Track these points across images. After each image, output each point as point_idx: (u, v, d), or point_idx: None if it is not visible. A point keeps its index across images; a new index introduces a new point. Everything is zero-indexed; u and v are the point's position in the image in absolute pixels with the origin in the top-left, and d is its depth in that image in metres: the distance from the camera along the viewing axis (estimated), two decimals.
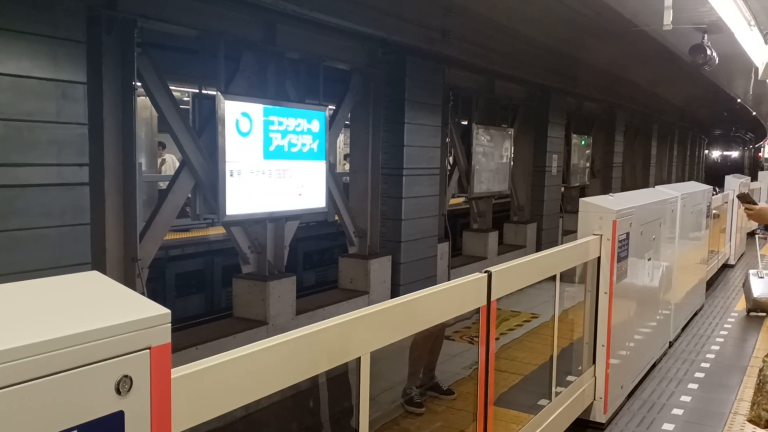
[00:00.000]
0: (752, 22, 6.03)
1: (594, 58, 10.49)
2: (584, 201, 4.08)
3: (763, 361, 2.98)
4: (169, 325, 1.23)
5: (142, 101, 6.42)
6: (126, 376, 1.16)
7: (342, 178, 10.35)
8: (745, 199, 3.39)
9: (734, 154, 38.97)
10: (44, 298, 1.22)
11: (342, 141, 14.63)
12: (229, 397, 1.49)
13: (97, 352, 1.12)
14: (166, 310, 1.23)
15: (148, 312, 1.21)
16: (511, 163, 10.64)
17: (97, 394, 1.13)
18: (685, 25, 6.41)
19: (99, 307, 1.23)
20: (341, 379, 2.46)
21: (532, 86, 10.94)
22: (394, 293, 7.61)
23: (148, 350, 1.19)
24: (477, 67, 8.96)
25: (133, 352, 1.17)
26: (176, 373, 1.32)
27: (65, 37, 4.20)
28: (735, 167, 31.10)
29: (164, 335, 1.22)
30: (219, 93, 5.42)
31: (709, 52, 6.89)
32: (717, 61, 7.10)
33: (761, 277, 6.97)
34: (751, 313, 7.05)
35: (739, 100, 17.03)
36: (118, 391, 1.15)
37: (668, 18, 5.32)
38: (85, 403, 1.11)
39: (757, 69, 6.59)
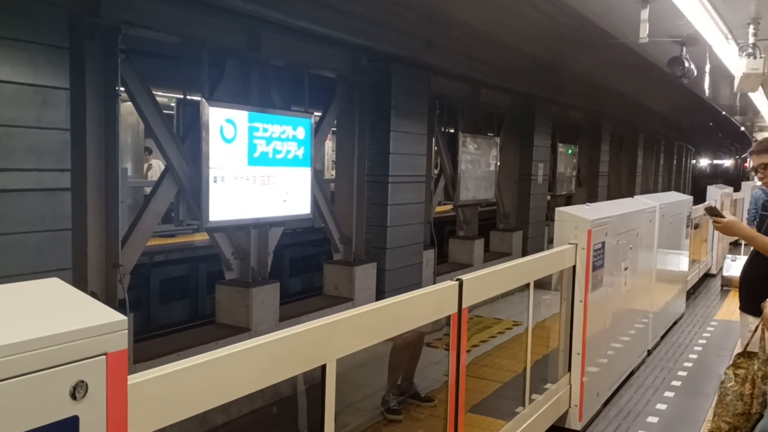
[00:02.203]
0: (729, 36, 6.14)
1: (578, 67, 10.59)
2: (560, 210, 4.13)
3: (725, 373, 3.03)
4: (126, 331, 1.25)
5: (128, 107, 6.43)
6: (81, 382, 1.19)
7: (330, 184, 10.39)
8: (713, 212, 3.43)
9: (726, 163, 38.51)
10: (2, 304, 1.25)
11: (330, 148, 14.66)
12: (187, 404, 1.52)
13: (52, 357, 1.15)
14: (123, 317, 1.26)
15: (104, 318, 1.23)
16: (497, 171, 10.72)
17: (52, 399, 1.15)
18: (663, 38, 6.51)
19: (56, 313, 1.26)
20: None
21: (517, 95, 11.03)
22: (379, 300, 7.63)
23: (104, 356, 1.22)
24: (462, 76, 9.04)
25: (88, 358, 1.20)
26: (133, 379, 1.34)
27: (47, 43, 4.22)
28: (726, 177, 31.04)
29: (120, 342, 1.24)
30: (203, 99, 5.44)
31: (687, 64, 7.00)
32: (695, 74, 7.21)
33: (733, 261, 8.69)
34: (724, 288, 9.05)
35: (723, 113, 17.22)
36: (74, 397, 1.18)
37: (644, 31, 5.41)
38: (40, 408, 1.14)
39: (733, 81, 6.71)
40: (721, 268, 9.83)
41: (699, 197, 9.26)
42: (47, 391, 1.14)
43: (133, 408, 1.29)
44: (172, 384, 1.48)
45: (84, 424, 1.19)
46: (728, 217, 3.43)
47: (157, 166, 11.39)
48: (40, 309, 1.27)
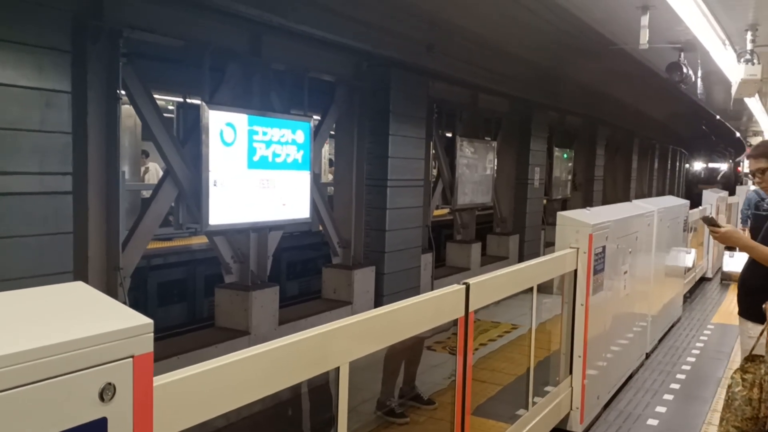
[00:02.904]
0: (726, 42, 6.20)
1: (576, 74, 10.66)
2: (561, 215, 4.16)
3: (731, 378, 3.04)
4: (152, 334, 1.27)
5: (126, 109, 6.44)
6: (109, 384, 1.20)
7: (327, 188, 10.41)
8: (710, 222, 3.42)
9: (723, 166, 37.73)
10: (30, 308, 1.26)
11: (327, 151, 14.67)
12: (209, 405, 1.53)
13: (81, 360, 1.16)
14: (149, 320, 1.27)
15: (131, 322, 1.25)
16: (495, 175, 10.76)
17: (81, 401, 1.17)
18: (662, 44, 6.57)
19: (84, 316, 1.27)
20: (323, 389, 2.50)
21: (515, 100, 11.08)
22: (378, 303, 7.65)
23: (131, 359, 1.24)
24: (461, 80, 9.08)
25: (116, 361, 1.21)
26: (158, 381, 1.36)
27: (50, 46, 4.23)
28: (723, 182, 30.90)
29: (147, 344, 1.26)
30: (203, 103, 5.45)
31: (685, 69, 7.07)
32: (693, 79, 7.29)
33: (731, 256, 8.99)
34: (723, 282, 9.63)
35: (718, 117, 17.34)
36: (102, 398, 1.19)
37: (644, 37, 5.47)
38: (70, 410, 1.15)
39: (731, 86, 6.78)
40: (719, 268, 10.03)
41: (693, 202, 9.35)
42: (77, 393, 1.16)
43: (159, 409, 1.30)
44: (196, 385, 1.50)
45: (112, 425, 1.20)
46: (726, 226, 3.43)
47: (154, 169, 11.39)
48: (67, 312, 1.28)
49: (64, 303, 1.32)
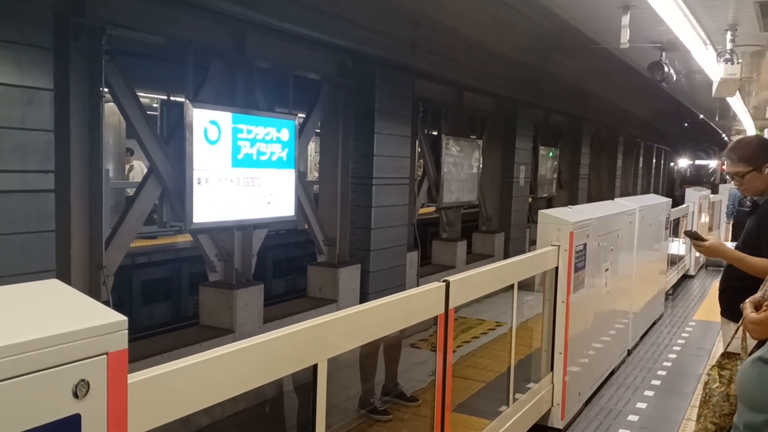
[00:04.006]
0: (707, 42, 6.28)
1: (560, 71, 10.73)
2: (543, 213, 4.20)
3: (708, 374, 3.08)
4: (126, 331, 1.28)
5: (110, 107, 6.41)
6: (83, 381, 1.21)
7: (313, 186, 10.40)
8: (694, 236, 3.35)
9: (712, 164, 37.02)
10: (3, 305, 1.27)
11: (313, 149, 14.67)
12: (185, 402, 1.54)
13: (54, 357, 1.17)
14: (123, 317, 1.28)
15: (105, 319, 1.26)
16: (480, 173, 10.81)
17: (54, 398, 1.17)
18: (643, 43, 6.64)
19: (58, 313, 1.28)
20: (309, 387, 2.51)
21: (499, 99, 11.14)
22: (363, 301, 7.65)
23: (105, 356, 1.24)
24: (446, 79, 9.11)
25: (90, 357, 1.22)
26: (133, 378, 1.37)
27: (31, 43, 4.20)
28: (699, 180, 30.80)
29: (121, 341, 1.27)
30: (187, 101, 5.44)
31: (666, 69, 7.15)
32: (675, 78, 7.37)
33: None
34: (708, 267, 10.45)
35: (701, 116, 17.51)
36: (76, 395, 1.20)
37: (625, 37, 5.52)
38: (43, 406, 1.16)
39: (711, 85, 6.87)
40: (703, 264, 10.20)
41: (675, 203, 9.48)
42: (50, 389, 1.17)
43: (133, 406, 1.31)
44: (171, 382, 1.51)
45: (86, 422, 1.21)
46: (710, 240, 3.41)
47: (139, 167, 11.33)
48: (42, 310, 1.28)
49: (38, 300, 1.32)
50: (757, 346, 2.82)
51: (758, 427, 1.41)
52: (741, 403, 1.59)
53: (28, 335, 1.15)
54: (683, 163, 35.41)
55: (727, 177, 3.82)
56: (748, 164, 3.25)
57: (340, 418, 4.46)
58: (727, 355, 3.16)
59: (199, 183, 5.51)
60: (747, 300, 2.53)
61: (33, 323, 1.20)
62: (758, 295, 2.61)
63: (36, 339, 1.15)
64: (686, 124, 21.55)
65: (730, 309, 3.48)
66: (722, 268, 3.66)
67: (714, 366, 3.18)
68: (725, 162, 3.54)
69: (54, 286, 1.38)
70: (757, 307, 2.53)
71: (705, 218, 10.60)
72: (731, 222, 11.57)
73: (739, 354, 3.11)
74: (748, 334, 2.82)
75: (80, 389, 1.20)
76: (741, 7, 5.54)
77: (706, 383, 3.16)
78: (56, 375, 1.17)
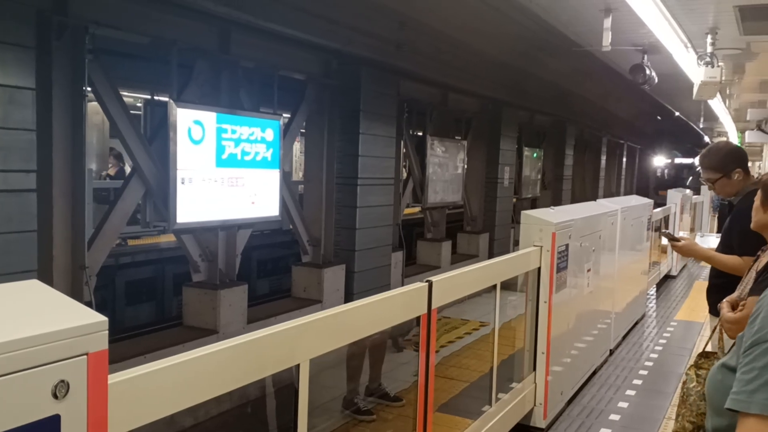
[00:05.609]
0: (688, 45, 6.36)
1: (544, 73, 10.81)
2: (525, 213, 4.23)
3: (686, 374, 3.12)
4: (106, 332, 1.28)
5: (93, 106, 6.36)
6: (63, 381, 1.21)
7: (298, 186, 10.39)
8: (669, 237, 3.57)
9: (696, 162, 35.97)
10: None
11: (298, 149, 14.62)
12: (166, 403, 1.55)
13: (34, 357, 1.17)
14: (103, 318, 1.28)
15: (85, 319, 1.26)
16: (465, 174, 10.85)
17: (34, 399, 1.17)
18: (625, 46, 6.71)
19: (37, 314, 1.28)
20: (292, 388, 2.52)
21: (484, 100, 11.19)
22: (348, 302, 7.66)
23: (85, 356, 1.24)
24: (431, 80, 9.14)
25: (70, 358, 1.22)
26: (113, 378, 1.37)
27: (13, 42, 4.17)
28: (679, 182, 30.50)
29: (101, 342, 1.27)
30: (171, 100, 5.41)
31: (648, 71, 7.23)
32: (656, 81, 7.45)
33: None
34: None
35: (684, 118, 17.70)
36: (55, 396, 1.20)
37: (607, 39, 5.58)
38: (22, 407, 1.16)
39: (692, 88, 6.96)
40: (684, 265, 10.32)
41: (660, 201, 9.58)
42: (29, 390, 1.16)
43: (113, 406, 1.31)
44: (152, 383, 1.51)
45: (65, 423, 1.21)
46: (684, 240, 3.57)
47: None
48: (21, 310, 1.28)
49: (17, 301, 1.32)
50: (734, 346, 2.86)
51: (724, 430, 1.45)
52: (708, 407, 1.64)
53: (6, 336, 1.14)
54: (660, 162, 34.22)
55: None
56: (717, 171, 3.38)
57: (325, 419, 4.47)
58: (704, 354, 3.21)
59: (182, 183, 5.49)
60: (724, 300, 2.58)
61: (11, 324, 1.20)
62: (735, 294, 2.65)
63: (14, 340, 1.15)
64: (673, 128, 21.75)
65: (713, 307, 3.56)
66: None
67: (691, 366, 3.24)
68: (700, 168, 3.65)
69: (34, 286, 1.38)
70: (734, 306, 2.58)
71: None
72: (716, 215, 11.79)
73: (716, 353, 3.16)
74: (725, 333, 2.86)
75: (60, 390, 1.20)
76: (721, 11, 5.62)
77: (684, 383, 3.20)
78: (35, 376, 1.17)
